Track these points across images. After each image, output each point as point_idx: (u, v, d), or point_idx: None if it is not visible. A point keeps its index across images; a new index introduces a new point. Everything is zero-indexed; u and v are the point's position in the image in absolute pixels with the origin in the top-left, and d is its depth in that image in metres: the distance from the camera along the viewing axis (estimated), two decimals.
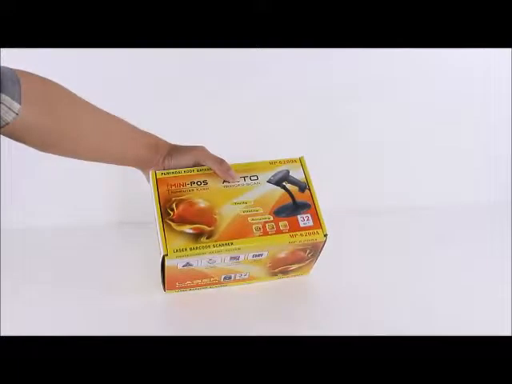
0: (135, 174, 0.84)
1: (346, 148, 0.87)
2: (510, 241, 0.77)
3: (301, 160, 0.66)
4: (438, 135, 0.87)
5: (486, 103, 0.86)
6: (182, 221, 0.59)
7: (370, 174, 0.88)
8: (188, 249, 0.57)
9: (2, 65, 0.47)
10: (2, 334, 0.56)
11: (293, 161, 0.66)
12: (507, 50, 0.80)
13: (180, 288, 0.64)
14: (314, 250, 0.63)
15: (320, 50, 0.73)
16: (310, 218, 0.61)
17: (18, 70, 0.49)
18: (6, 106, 0.46)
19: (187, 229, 0.58)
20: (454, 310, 0.63)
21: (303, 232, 0.60)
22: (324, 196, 0.78)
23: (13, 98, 0.47)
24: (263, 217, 0.60)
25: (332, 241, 0.78)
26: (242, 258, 0.60)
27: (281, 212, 0.61)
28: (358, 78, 0.82)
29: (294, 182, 0.64)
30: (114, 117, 0.59)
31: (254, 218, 0.60)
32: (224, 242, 0.57)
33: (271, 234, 0.59)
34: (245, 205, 0.61)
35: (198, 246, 0.57)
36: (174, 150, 0.62)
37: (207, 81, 0.80)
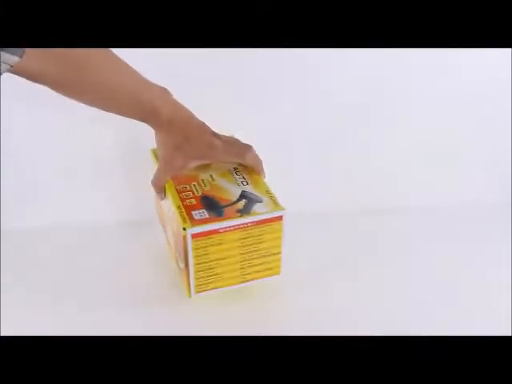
0: (136, 173, 0.84)
1: (346, 148, 0.87)
2: (511, 241, 0.77)
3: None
4: (438, 135, 0.87)
5: (487, 103, 0.86)
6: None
7: (370, 174, 0.88)
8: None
9: None
10: (2, 334, 0.56)
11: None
12: (507, 50, 0.80)
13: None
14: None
15: (319, 50, 0.73)
16: (205, 213, 0.59)
17: None
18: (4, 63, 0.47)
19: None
20: (454, 310, 0.63)
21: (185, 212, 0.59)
22: (324, 196, 0.79)
23: (12, 53, 0.47)
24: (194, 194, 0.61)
25: (332, 240, 0.78)
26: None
27: (207, 202, 0.60)
28: (358, 79, 0.82)
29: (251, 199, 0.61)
30: (129, 75, 0.58)
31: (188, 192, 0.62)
32: None
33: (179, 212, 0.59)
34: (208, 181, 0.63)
35: None
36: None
37: (206, 81, 0.80)
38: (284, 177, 0.79)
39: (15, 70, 0.49)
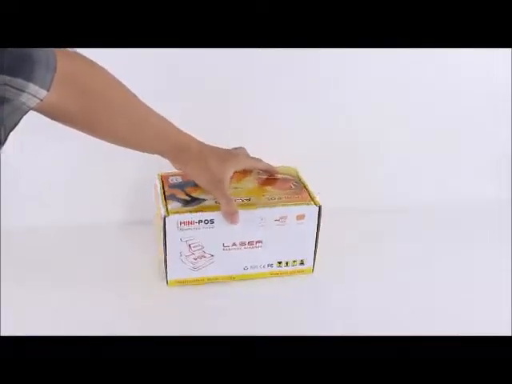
0: (137, 173, 0.84)
1: (346, 148, 0.87)
2: (511, 240, 0.77)
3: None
4: (438, 134, 0.87)
5: (487, 103, 0.86)
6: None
7: (370, 174, 0.88)
8: None
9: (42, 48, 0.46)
10: (2, 334, 0.56)
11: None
12: (507, 50, 0.80)
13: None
14: None
15: (319, 50, 0.73)
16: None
17: (59, 52, 0.48)
18: (31, 94, 0.45)
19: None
20: (454, 310, 0.63)
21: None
22: (324, 196, 0.78)
23: (41, 86, 0.46)
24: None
25: (332, 240, 0.78)
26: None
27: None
28: (358, 78, 0.82)
29: None
30: (151, 110, 0.60)
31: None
32: None
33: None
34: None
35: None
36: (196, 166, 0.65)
37: (206, 81, 0.80)
38: None
39: (39, 108, 0.48)
